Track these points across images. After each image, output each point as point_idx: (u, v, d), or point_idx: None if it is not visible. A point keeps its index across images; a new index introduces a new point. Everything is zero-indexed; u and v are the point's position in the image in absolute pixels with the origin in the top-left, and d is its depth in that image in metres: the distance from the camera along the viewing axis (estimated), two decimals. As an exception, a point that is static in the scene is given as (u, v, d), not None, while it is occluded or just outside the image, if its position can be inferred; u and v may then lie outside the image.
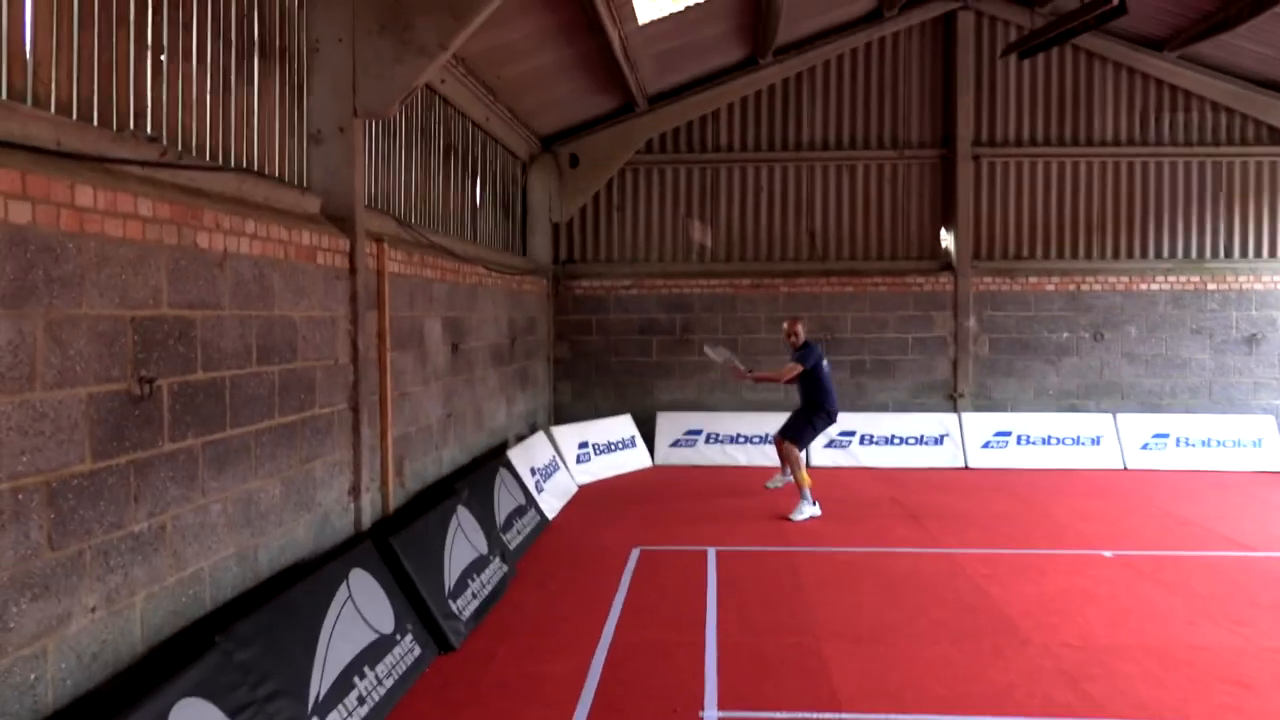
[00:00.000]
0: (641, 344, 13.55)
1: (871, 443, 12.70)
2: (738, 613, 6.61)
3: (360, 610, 5.29)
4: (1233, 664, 5.64)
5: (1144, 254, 13.34)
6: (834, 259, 13.55)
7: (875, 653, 5.81)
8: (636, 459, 12.57)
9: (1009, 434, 12.70)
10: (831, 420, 10.17)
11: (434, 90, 9.18)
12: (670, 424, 13.03)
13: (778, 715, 4.93)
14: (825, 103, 13.56)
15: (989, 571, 7.61)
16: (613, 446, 12.28)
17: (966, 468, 12.52)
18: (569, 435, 11.74)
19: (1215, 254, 13.30)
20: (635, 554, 8.18)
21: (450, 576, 6.43)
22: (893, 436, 12.72)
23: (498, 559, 7.35)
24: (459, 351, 9.12)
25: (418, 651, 5.59)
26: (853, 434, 12.72)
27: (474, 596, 6.58)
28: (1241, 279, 13.15)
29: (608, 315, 13.58)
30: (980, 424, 12.83)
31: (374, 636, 5.27)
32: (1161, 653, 5.82)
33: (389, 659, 5.27)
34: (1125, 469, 12.46)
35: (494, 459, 9.26)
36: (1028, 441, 12.66)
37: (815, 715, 4.91)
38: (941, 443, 12.69)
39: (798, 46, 13.31)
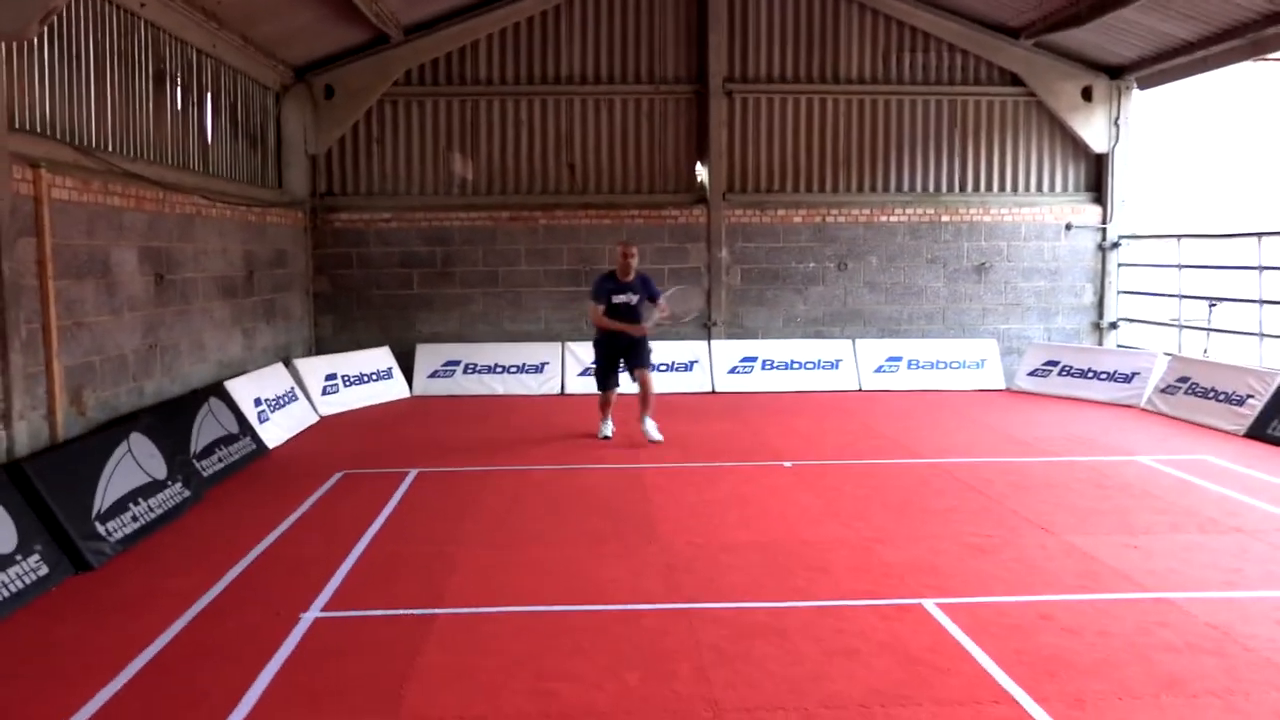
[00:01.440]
0: (403, 277, 13.61)
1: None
2: (399, 528, 6.88)
3: (-33, 531, 5.34)
4: (827, 554, 6.22)
5: (885, 188, 14.06)
6: (593, 192, 13.82)
7: (504, 558, 6.17)
8: (393, 390, 12.71)
9: (754, 359, 13.34)
10: None
11: (134, 14, 8.94)
12: (429, 355, 13.18)
13: (374, 613, 5.23)
14: (583, 37, 13.72)
15: (664, 483, 8.09)
16: (365, 378, 12.37)
17: (714, 392, 13.11)
18: (315, 367, 11.79)
19: (950, 188, 14.12)
20: (336, 478, 8.36)
21: (104, 500, 6.49)
22: (645, 364, 13.17)
23: (178, 484, 7.42)
24: (165, 282, 9.03)
25: (44, 571, 5.66)
26: (606, 362, 13.12)
27: (134, 520, 6.66)
28: (972, 211, 14.03)
29: (368, 248, 13.56)
30: (728, 350, 13.43)
31: (-18, 557, 5.34)
32: (772, 546, 6.36)
33: (2, 577, 5.34)
34: (860, 390, 13.26)
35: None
36: (772, 366, 13.32)
37: (409, 611, 5.22)
38: (691, 369, 13.25)
39: (554, -21, 13.42)
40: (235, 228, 10.85)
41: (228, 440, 8.78)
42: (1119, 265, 14.08)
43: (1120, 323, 14.14)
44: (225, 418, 9.01)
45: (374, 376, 12.52)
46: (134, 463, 7.06)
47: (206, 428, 8.55)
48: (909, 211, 13.97)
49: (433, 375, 13.07)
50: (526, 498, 7.70)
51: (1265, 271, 11.56)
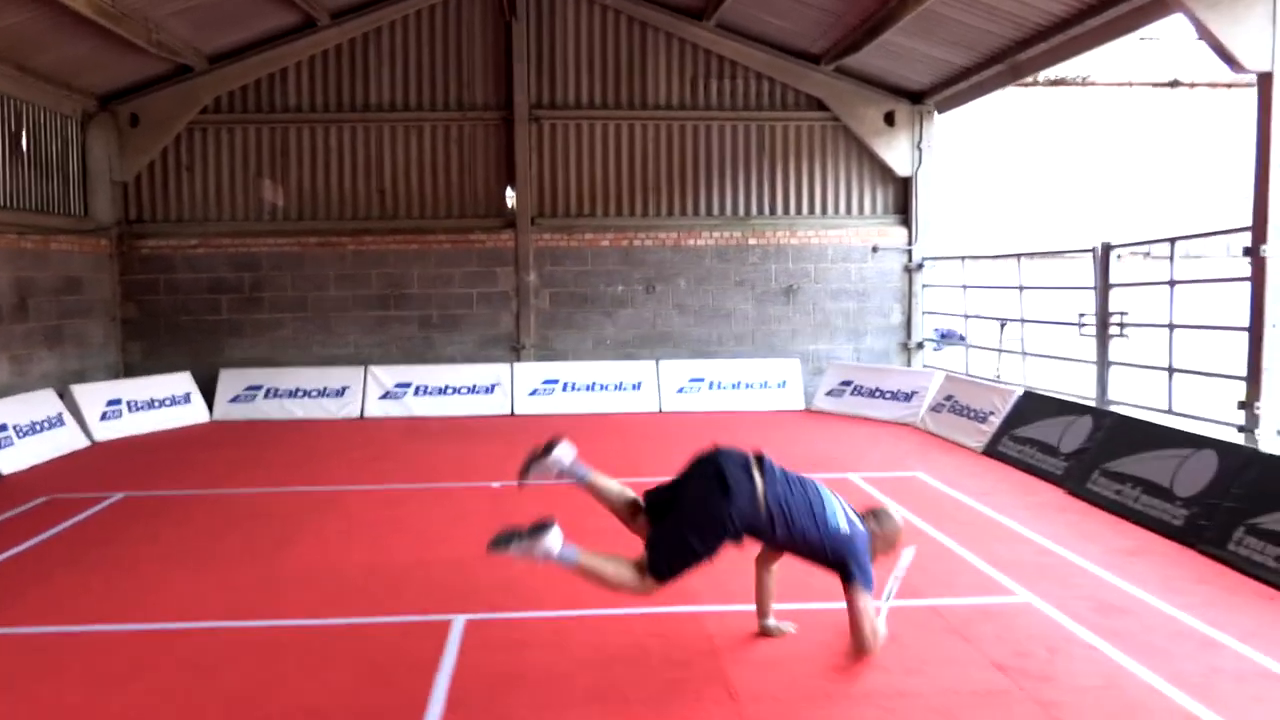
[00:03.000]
0: (211, 303, 13.74)
1: (426, 393, 13.29)
2: (39, 551, 6.99)
3: None
4: (422, 574, 6.33)
5: (694, 212, 14.29)
6: (402, 217, 14.00)
7: (104, 580, 6.29)
8: (190, 415, 12.81)
9: (556, 382, 13.51)
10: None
11: None
12: (231, 380, 13.31)
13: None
14: (392, 65, 13.93)
15: (352, 506, 8.21)
16: (157, 403, 12.46)
17: (513, 415, 13.26)
18: (94, 393, 11.87)
19: (759, 211, 14.36)
20: (37, 501, 8.46)
21: None
22: (446, 387, 13.34)
23: None
24: (-114, 310, 9.16)
25: None
26: (408, 385, 13.30)
27: None
28: (780, 234, 14.27)
29: (176, 275, 13.69)
30: (530, 373, 13.59)
31: None
32: (377, 568, 6.49)
33: None
34: (661, 412, 13.43)
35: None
36: (574, 389, 13.49)
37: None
38: (492, 391, 13.40)
39: (359, 10, 13.62)
40: (1, 256, 10.97)
41: (-59, 467, 8.88)
42: (924, 286, 14.32)
43: (925, 343, 14.39)
44: (-55, 444, 9.11)
45: (167, 402, 12.62)
46: None
47: (-87, 454, 8.65)
48: (716, 235, 14.20)
49: (234, 400, 13.19)
50: (199, 521, 7.81)
51: (1026, 291, 11.82)
